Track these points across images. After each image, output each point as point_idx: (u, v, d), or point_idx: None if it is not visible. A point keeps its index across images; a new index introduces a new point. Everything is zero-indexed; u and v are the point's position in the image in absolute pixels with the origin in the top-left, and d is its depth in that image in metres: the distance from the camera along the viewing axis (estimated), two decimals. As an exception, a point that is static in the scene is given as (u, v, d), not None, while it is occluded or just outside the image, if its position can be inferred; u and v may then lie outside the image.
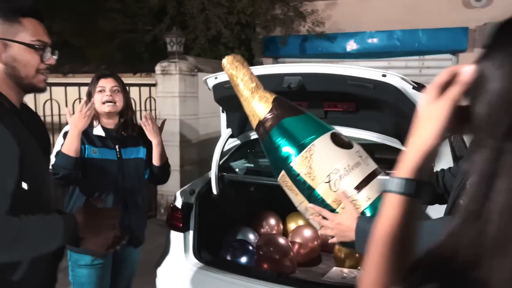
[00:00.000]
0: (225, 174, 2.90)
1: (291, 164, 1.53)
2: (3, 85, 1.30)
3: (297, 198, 1.56)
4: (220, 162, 2.86)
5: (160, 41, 6.87)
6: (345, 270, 2.76)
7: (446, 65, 7.70)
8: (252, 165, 3.27)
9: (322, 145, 1.53)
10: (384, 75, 2.15)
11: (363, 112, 2.63)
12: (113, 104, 2.28)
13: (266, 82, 2.40)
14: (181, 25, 6.92)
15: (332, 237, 1.45)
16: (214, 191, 2.77)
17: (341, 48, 8.08)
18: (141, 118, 2.48)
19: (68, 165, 2.07)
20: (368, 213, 1.42)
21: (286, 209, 3.10)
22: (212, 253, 2.69)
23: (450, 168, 1.67)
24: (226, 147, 2.99)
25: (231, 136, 2.93)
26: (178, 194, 2.68)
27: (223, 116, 2.94)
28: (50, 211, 1.37)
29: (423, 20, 7.50)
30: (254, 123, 1.67)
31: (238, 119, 2.85)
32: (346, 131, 2.75)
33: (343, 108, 2.64)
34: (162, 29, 6.95)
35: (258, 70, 2.48)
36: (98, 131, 2.29)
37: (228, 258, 2.67)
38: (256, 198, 3.39)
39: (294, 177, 1.53)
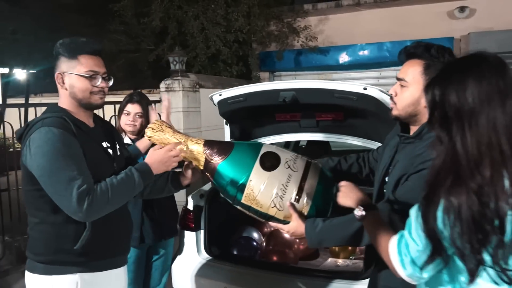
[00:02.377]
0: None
1: (242, 201, 1.79)
2: (70, 105, 1.76)
3: (259, 219, 1.86)
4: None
5: (162, 60, 7.28)
6: (340, 260, 3.10)
7: (434, 73, 8.10)
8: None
9: (256, 177, 1.77)
10: (365, 88, 2.51)
11: (350, 121, 3.00)
12: (133, 125, 2.72)
13: (264, 97, 2.82)
14: (182, 44, 7.35)
15: None
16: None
17: (334, 61, 8.49)
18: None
19: None
20: (312, 212, 1.76)
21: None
22: (222, 249, 3.03)
23: (372, 153, 2.11)
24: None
25: (235, 146, 3.28)
26: (189, 197, 3.03)
27: (227, 128, 3.28)
28: None
29: (410, 32, 7.92)
30: (201, 166, 1.89)
31: (240, 130, 3.21)
32: (335, 138, 3.15)
33: (332, 118, 3.00)
34: (164, 48, 7.37)
35: (256, 87, 2.86)
36: (126, 140, 2.71)
37: (235, 252, 3.02)
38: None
39: (248, 209, 1.81)
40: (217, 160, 1.83)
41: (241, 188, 1.77)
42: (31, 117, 4.30)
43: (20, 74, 13.44)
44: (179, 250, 3.02)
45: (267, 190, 1.76)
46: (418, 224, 1.16)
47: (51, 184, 1.58)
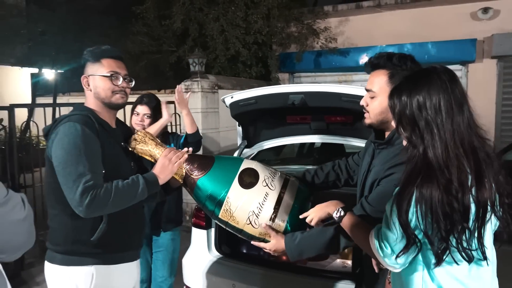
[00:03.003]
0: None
1: (219, 216, 1.87)
2: (95, 105, 1.90)
3: (235, 234, 1.93)
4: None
5: (183, 61, 7.42)
6: (348, 261, 3.13)
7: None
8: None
9: (234, 194, 1.84)
10: (372, 92, 2.55)
11: (359, 124, 3.02)
12: (141, 125, 2.86)
13: (274, 100, 2.88)
14: (203, 46, 7.48)
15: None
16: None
17: (353, 62, 8.47)
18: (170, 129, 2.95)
19: None
20: (288, 229, 1.84)
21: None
22: (232, 247, 3.11)
23: (352, 157, 2.18)
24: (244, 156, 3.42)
25: (247, 146, 3.36)
26: (201, 196, 3.12)
27: (239, 129, 3.37)
28: None
29: (432, 33, 7.86)
30: (180, 178, 1.94)
31: (252, 132, 3.29)
32: (345, 141, 3.18)
33: (342, 120, 3.04)
34: (185, 50, 7.51)
35: (266, 90, 2.92)
36: None
37: (245, 251, 3.09)
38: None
39: (225, 224, 1.89)
40: (197, 175, 1.89)
41: (219, 204, 1.85)
42: (58, 116, 4.53)
43: (49, 74, 13.86)
44: (190, 246, 3.11)
45: (244, 208, 1.82)
46: (394, 217, 1.29)
47: (63, 175, 1.69)
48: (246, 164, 1.94)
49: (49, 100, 13.38)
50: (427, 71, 1.31)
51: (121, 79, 1.89)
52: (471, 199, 1.21)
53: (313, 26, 8.02)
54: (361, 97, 2.63)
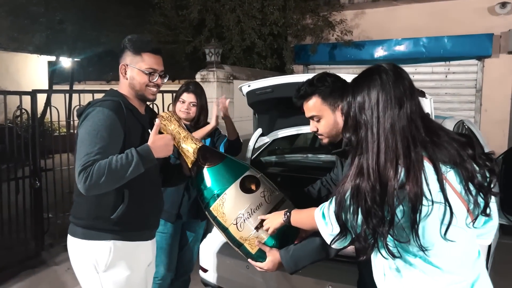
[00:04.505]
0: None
1: (210, 209, 1.94)
2: (128, 92, 2.00)
3: (218, 230, 2.01)
4: (253, 157, 3.39)
5: (199, 51, 7.51)
6: (359, 249, 3.22)
7: (471, 70, 7.97)
8: (278, 159, 3.79)
9: (231, 193, 1.91)
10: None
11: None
12: (187, 113, 2.90)
13: (290, 89, 2.95)
14: (218, 36, 7.56)
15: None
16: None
17: (368, 55, 8.47)
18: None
19: None
20: (269, 243, 1.90)
21: (304, 198, 3.58)
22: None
23: (333, 171, 2.31)
24: (258, 144, 3.52)
25: (262, 135, 3.44)
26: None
27: (255, 118, 3.46)
28: (155, 177, 2.05)
29: (448, 27, 7.82)
30: (190, 163, 2.04)
31: (267, 120, 3.37)
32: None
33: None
34: (201, 40, 7.60)
35: (283, 79, 3.00)
36: None
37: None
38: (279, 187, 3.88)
39: (213, 218, 1.95)
40: (205, 165, 1.98)
41: (215, 197, 1.93)
42: (74, 102, 4.70)
43: (66, 62, 14.06)
44: (207, 230, 3.23)
45: (235, 208, 1.90)
46: (332, 212, 1.39)
47: (77, 153, 1.78)
48: (251, 172, 2.02)
49: (65, 87, 13.61)
50: (370, 71, 1.34)
51: (157, 76, 1.99)
52: (405, 196, 1.22)
53: (328, 18, 8.04)
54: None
